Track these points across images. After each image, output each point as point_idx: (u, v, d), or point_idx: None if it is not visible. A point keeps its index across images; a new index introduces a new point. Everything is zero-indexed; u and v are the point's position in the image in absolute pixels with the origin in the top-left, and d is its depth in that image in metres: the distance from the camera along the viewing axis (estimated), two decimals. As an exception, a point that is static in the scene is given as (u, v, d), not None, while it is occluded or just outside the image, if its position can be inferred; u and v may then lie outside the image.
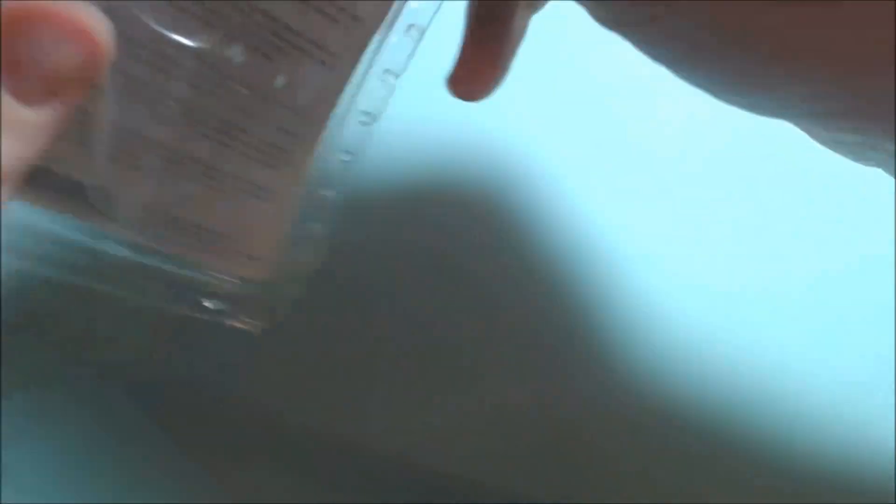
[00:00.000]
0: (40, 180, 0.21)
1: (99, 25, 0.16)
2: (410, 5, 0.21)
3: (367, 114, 0.22)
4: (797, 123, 0.19)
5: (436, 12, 0.21)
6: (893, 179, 0.19)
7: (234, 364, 0.32)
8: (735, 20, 0.16)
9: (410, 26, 0.21)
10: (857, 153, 0.19)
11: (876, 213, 0.29)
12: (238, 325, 0.24)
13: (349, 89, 0.21)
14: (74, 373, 0.31)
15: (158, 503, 0.28)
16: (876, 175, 0.20)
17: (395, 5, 0.20)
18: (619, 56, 0.23)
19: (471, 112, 0.30)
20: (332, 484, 0.29)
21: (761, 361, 0.30)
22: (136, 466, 0.30)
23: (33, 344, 0.31)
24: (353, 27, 0.20)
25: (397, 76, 0.22)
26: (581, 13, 0.20)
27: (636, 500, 0.29)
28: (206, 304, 0.24)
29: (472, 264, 0.31)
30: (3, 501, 0.27)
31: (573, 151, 0.31)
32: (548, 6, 0.24)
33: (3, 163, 0.16)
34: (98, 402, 0.31)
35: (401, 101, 0.22)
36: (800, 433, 0.29)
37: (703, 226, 0.31)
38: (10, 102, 0.16)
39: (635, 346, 0.30)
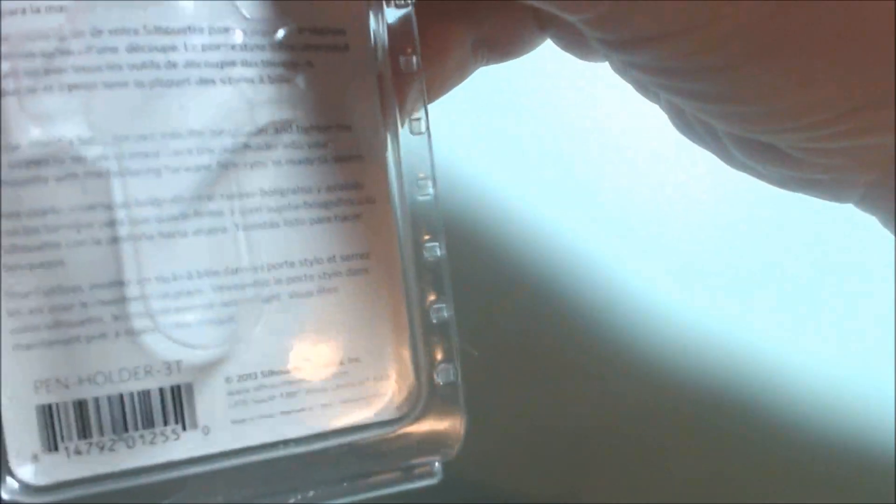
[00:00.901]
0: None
1: None
2: None
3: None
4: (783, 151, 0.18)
5: None
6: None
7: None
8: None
9: None
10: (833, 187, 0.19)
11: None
12: (421, 482, 0.18)
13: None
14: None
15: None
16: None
17: None
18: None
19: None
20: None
21: (761, 359, 0.30)
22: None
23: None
24: None
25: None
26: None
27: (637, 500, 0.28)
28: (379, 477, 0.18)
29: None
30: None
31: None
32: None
33: None
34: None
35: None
36: (799, 432, 0.29)
37: (698, 224, 0.31)
38: None
39: (636, 346, 0.30)
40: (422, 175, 0.18)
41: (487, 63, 0.22)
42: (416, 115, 0.18)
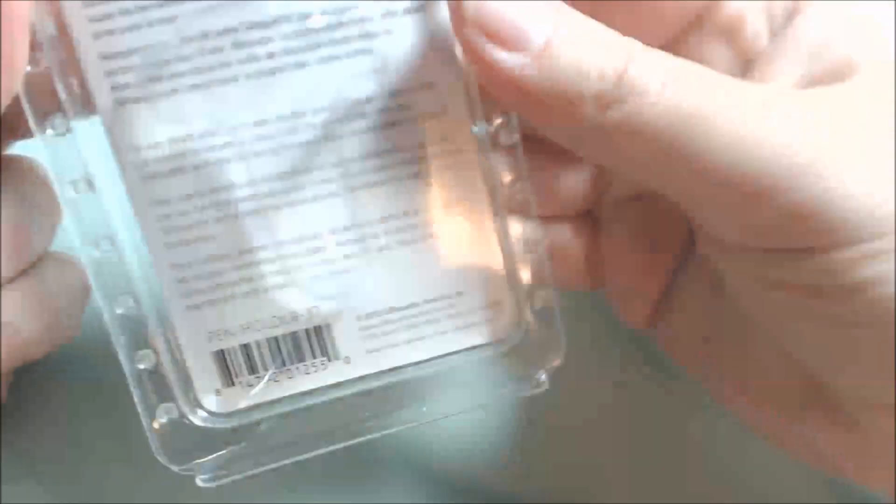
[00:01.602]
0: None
1: None
2: None
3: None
4: None
5: None
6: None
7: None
8: None
9: None
10: None
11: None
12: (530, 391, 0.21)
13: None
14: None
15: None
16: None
17: None
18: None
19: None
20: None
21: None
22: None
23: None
24: None
25: None
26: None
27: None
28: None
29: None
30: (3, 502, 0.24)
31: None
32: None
33: None
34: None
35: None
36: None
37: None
38: None
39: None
40: (500, 121, 0.19)
41: None
42: None
